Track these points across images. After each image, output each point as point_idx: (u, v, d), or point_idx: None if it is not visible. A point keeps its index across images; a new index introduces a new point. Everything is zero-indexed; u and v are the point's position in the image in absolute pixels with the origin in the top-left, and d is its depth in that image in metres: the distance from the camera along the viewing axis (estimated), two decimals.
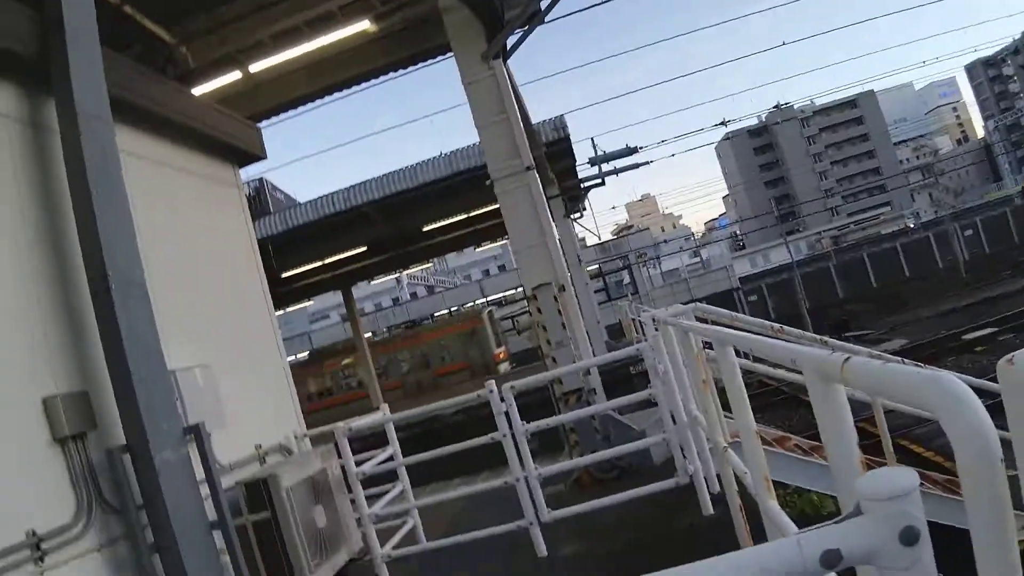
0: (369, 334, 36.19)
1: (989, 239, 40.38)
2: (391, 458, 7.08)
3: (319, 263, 21.39)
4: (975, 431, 1.02)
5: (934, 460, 10.30)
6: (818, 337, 6.57)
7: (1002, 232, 41.06)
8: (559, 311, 8.66)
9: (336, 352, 34.38)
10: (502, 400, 6.03)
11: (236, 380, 7.02)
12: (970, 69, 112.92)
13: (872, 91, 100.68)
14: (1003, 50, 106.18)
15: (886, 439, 6.24)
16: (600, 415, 8.30)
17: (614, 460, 7.98)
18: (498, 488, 6.44)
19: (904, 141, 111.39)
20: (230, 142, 8.27)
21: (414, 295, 65.27)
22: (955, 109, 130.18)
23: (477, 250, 55.48)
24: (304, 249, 19.56)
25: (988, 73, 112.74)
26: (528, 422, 6.16)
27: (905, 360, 6.63)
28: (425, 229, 21.06)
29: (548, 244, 8.92)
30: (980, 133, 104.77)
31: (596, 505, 6.19)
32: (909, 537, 1.03)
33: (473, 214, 19.98)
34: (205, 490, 5.22)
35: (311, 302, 50.78)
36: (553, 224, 9.45)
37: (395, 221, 19.01)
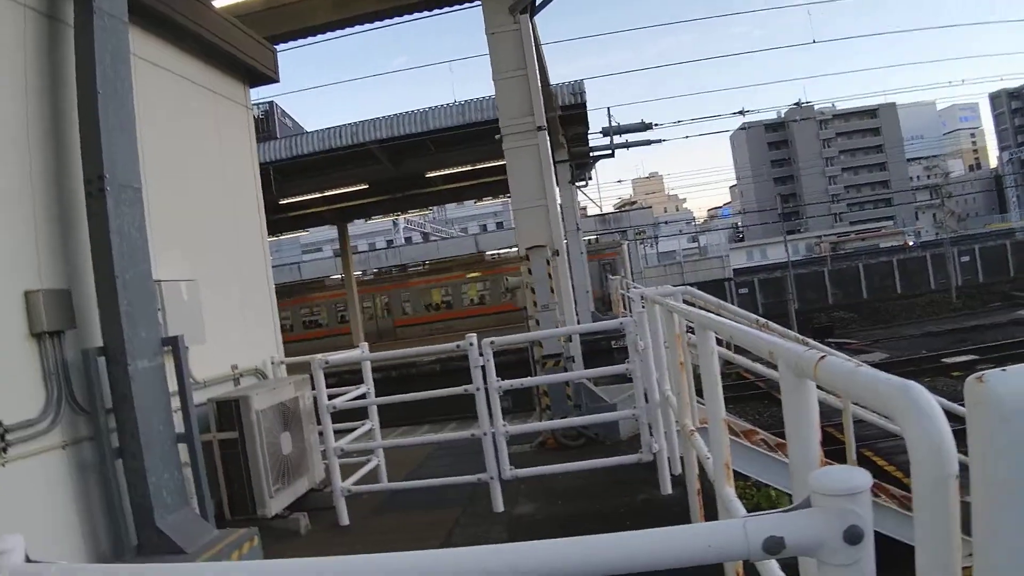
0: (359, 272, 36.10)
1: (985, 268, 40.46)
2: (364, 396, 7.12)
3: (318, 195, 21.28)
4: (934, 443, 1.03)
5: (894, 475, 10.43)
6: (800, 337, 6.61)
7: (999, 263, 41.15)
8: (549, 275, 8.67)
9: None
10: (481, 354, 6.06)
11: (220, 299, 7.03)
12: (994, 98, 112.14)
13: (894, 104, 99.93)
14: None
15: (850, 444, 6.33)
16: (575, 382, 8.36)
17: (582, 428, 8.06)
18: (465, 439, 6.52)
19: (917, 158, 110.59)
20: (244, 60, 8.17)
21: (409, 240, 65.10)
22: (973, 135, 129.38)
23: (477, 204, 55.26)
24: (305, 179, 19.42)
25: (1011, 104, 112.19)
26: (503, 379, 6.20)
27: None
28: (428, 175, 20.94)
29: (548, 207, 8.88)
30: (994, 163, 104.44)
31: (558, 469, 6.28)
32: (853, 536, 1.05)
33: (478, 167, 19.84)
34: (176, 403, 5.25)
35: (306, 232, 50.55)
36: (556, 188, 9.41)
37: (399, 164, 18.89)
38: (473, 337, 6.08)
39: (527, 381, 6.70)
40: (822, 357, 1.42)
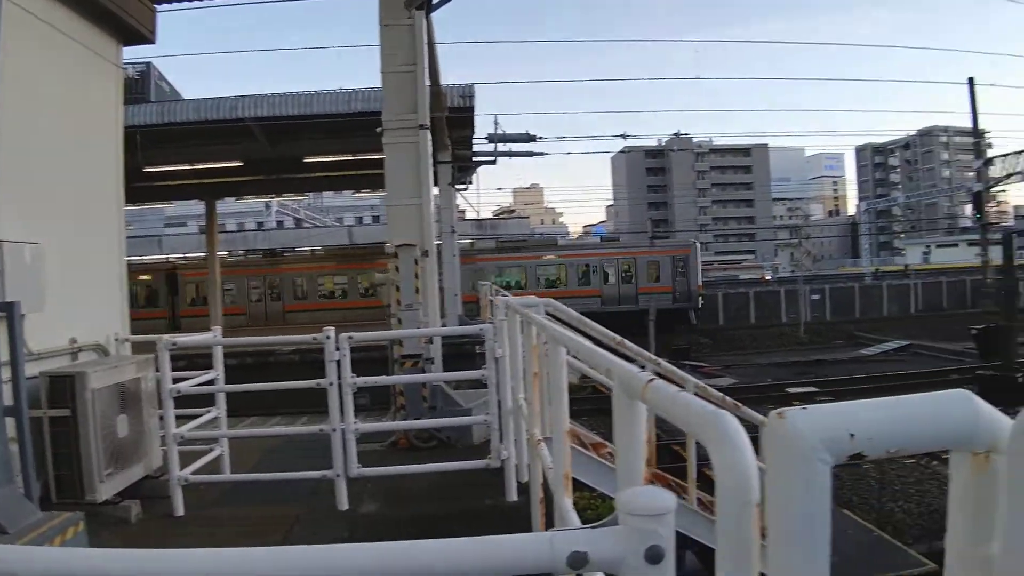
0: (224, 252, 34.87)
1: (833, 307, 43.06)
2: (213, 382, 6.85)
3: (188, 167, 20.36)
4: (738, 472, 1.07)
5: None
6: (653, 357, 6.83)
7: (847, 304, 43.93)
8: (416, 274, 8.62)
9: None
10: (337, 348, 5.95)
11: (66, 266, 6.59)
12: (859, 150, 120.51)
13: (766, 145, 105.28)
14: (895, 141, 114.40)
15: (691, 463, 6.59)
16: (432, 384, 8.34)
17: (435, 430, 8.04)
18: (314, 434, 6.38)
19: (782, 199, 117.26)
20: (118, 15, 7.72)
21: (280, 224, 63.21)
22: (835, 183, 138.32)
23: (355, 195, 54.39)
24: (176, 148, 18.54)
25: (874, 158, 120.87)
26: (359, 375, 6.11)
27: (727, 399, 7.01)
28: (307, 160, 20.44)
29: (422, 206, 8.83)
30: (852, 210, 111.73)
31: (406, 470, 6.24)
32: (654, 555, 1.07)
33: (360, 158, 19.52)
34: (6, 374, 4.89)
35: (171, 205, 48.22)
36: (432, 189, 9.37)
37: (278, 144, 18.34)
38: (331, 330, 5.96)
39: (383, 380, 6.64)
40: (650, 380, 1.46)
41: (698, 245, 39.02)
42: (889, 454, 1.04)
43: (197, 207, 40.66)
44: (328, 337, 5.93)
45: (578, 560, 1.07)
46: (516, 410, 5.94)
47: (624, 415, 1.71)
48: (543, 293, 36.73)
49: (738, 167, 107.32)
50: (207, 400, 6.95)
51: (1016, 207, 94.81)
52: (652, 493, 1.10)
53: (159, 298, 33.29)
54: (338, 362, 5.98)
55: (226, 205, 48.16)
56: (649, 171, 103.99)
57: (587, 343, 2.45)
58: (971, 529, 1.10)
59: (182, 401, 6.37)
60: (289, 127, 17.15)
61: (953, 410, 1.07)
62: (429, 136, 9.15)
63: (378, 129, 9.16)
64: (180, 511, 6.15)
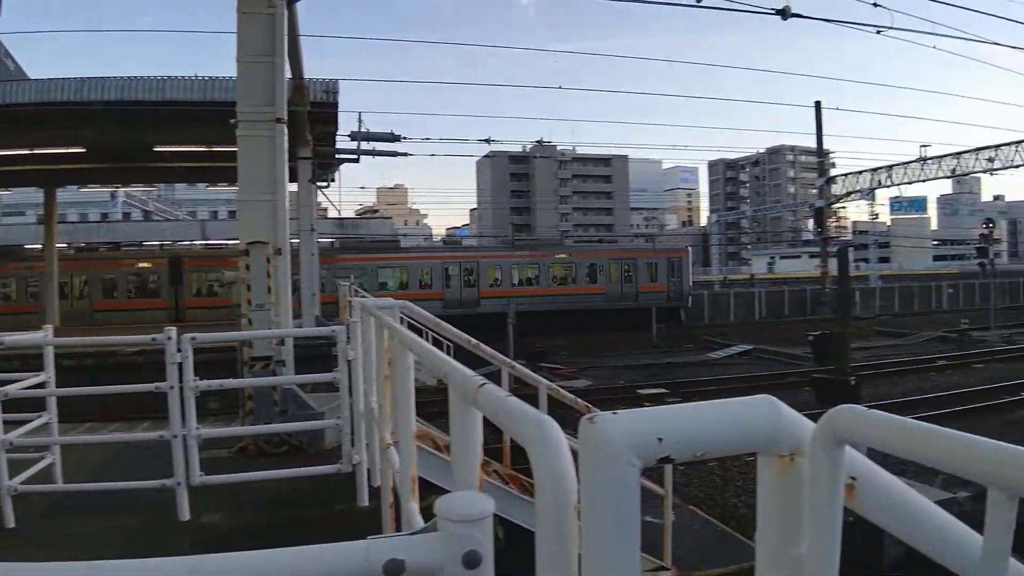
0: (64, 244, 32.67)
1: (684, 313, 44.91)
2: (44, 385, 6.37)
3: (26, 151, 18.94)
4: (556, 475, 1.08)
5: None
6: (508, 360, 6.88)
7: (696, 310, 45.92)
8: (268, 273, 8.33)
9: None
10: (179, 350, 5.66)
11: None
12: (712, 165, 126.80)
13: (626, 156, 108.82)
14: (745, 158, 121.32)
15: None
16: (283, 387, 8.08)
17: (285, 435, 7.80)
18: (154, 441, 6.04)
19: (640, 208, 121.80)
20: None
21: (128, 216, 59.87)
22: (689, 195, 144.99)
23: (209, 188, 52.30)
24: (12, 130, 17.17)
25: (726, 173, 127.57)
26: (210, 379, 5.84)
27: (579, 401, 7.15)
28: (158, 149, 19.44)
29: (277, 203, 8.54)
30: (704, 222, 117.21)
31: (253, 477, 6.02)
32: (471, 560, 1.07)
33: (215, 149, 18.76)
34: None
35: (8, 192, 44.83)
36: (288, 185, 9.08)
37: (127, 131, 17.33)
38: (172, 331, 5.66)
39: (228, 383, 6.36)
40: (482, 384, 1.45)
41: (690, 250, 43.47)
42: (696, 457, 1.07)
43: (37, 194, 37.99)
44: (169, 338, 5.63)
45: (394, 568, 1.05)
46: (368, 413, 5.84)
47: (459, 419, 1.70)
48: (553, 291, 39.13)
49: (599, 176, 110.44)
50: (39, 404, 6.46)
51: (854, 223, 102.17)
52: (470, 498, 1.10)
53: None
54: (180, 364, 5.68)
55: (68, 193, 45.22)
56: (513, 176, 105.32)
57: (429, 347, 2.43)
58: (779, 530, 1.15)
59: (10, 405, 5.89)
60: (140, 113, 16.20)
61: (757, 415, 1.11)
62: (286, 130, 8.88)
63: (232, 120, 8.81)
64: (11, 523, 5.69)
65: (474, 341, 6.70)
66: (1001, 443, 0.94)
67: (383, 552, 1.05)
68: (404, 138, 23.86)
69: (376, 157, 23.76)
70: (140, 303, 30.60)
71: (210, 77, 16.15)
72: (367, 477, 6.10)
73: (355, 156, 23.04)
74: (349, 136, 22.67)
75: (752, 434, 1.10)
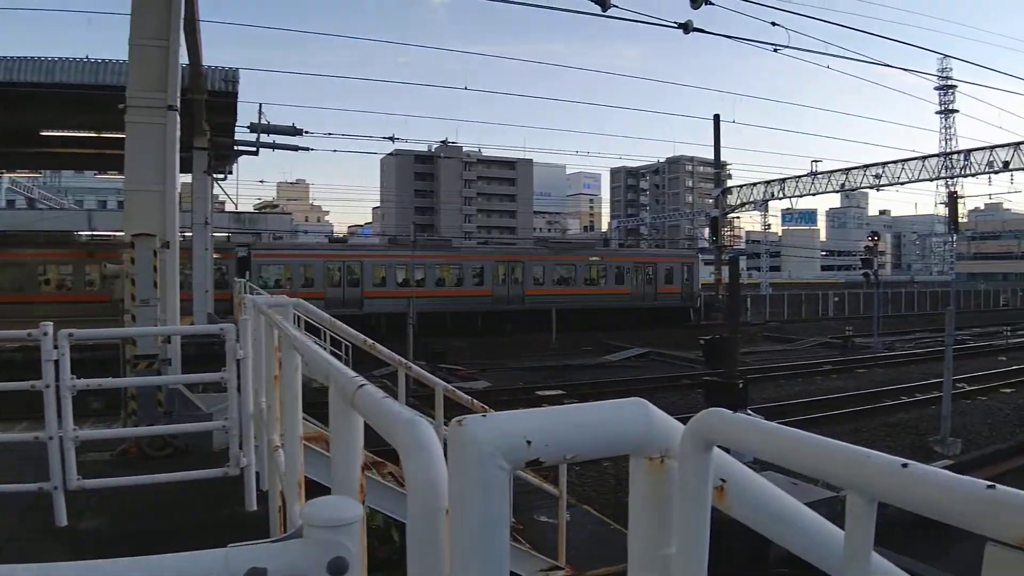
0: None
1: (584, 317, 45.58)
2: None
3: None
4: (428, 478, 1.07)
5: None
6: (403, 361, 6.79)
7: (591, 313, 46.69)
8: (155, 267, 7.96)
9: None
10: (56, 346, 5.34)
11: None
12: (614, 172, 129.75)
13: (531, 160, 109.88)
14: (646, 166, 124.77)
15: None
16: (169, 387, 7.75)
17: (170, 437, 7.48)
18: (29, 442, 5.69)
19: (543, 212, 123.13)
20: None
21: (12, 204, 56.52)
22: (592, 201, 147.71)
23: (97, 176, 50.05)
24: None
25: (627, 181, 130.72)
26: (78, 376, 5.52)
27: (475, 403, 7.12)
28: (44, 134, 18.45)
29: (166, 194, 8.19)
30: (605, 227, 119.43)
31: (135, 481, 5.75)
32: (337, 567, 1.04)
33: (105, 136, 17.93)
34: None
35: None
36: (179, 176, 8.72)
37: (11, 114, 16.38)
38: (48, 326, 5.34)
39: (109, 381, 6.06)
40: (361, 386, 1.40)
41: (699, 255, 47.26)
42: (567, 460, 1.07)
43: None
44: (45, 334, 5.30)
45: None
46: (257, 414, 5.65)
47: (339, 420, 1.65)
48: (583, 290, 42.25)
49: (504, 179, 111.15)
50: None
51: (748, 232, 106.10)
52: (337, 503, 1.07)
53: None
54: (56, 362, 5.36)
55: None
56: (418, 176, 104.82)
57: (313, 346, 2.35)
58: (649, 530, 1.16)
59: None
60: (26, 95, 15.33)
61: (629, 417, 1.12)
62: (178, 118, 8.53)
63: (120, 106, 8.41)
64: None
65: (370, 341, 6.58)
66: (860, 448, 0.97)
67: (244, 560, 1.01)
68: (306, 132, 23.41)
69: (277, 151, 23.24)
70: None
71: (103, 60, 15.45)
72: (255, 481, 5.90)
73: (254, 148, 22.45)
74: (248, 127, 22.10)
75: (623, 436, 1.10)
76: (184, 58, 10.67)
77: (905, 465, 0.91)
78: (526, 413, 1.06)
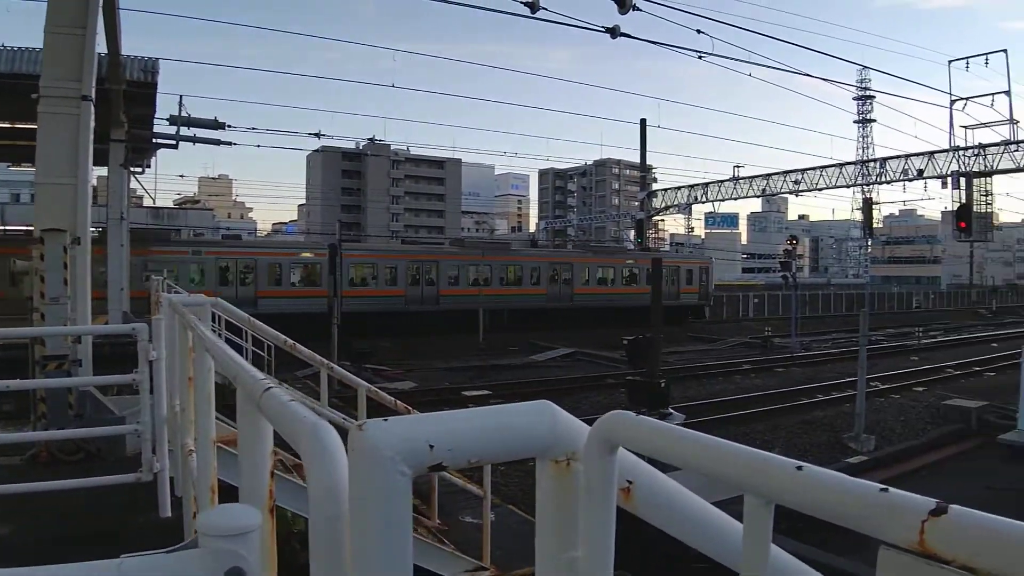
0: None
1: (511, 317, 45.71)
2: None
3: None
4: (330, 484, 1.05)
5: None
6: (325, 362, 6.69)
7: (520, 315, 46.89)
8: (65, 264, 7.65)
9: None
10: None
11: None
12: (542, 174, 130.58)
13: (460, 160, 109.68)
14: (574, 169, 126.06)
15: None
16: (80, 390, 7.46)
17: (81, 441, 7.20)
18: None
19: (471, 212, 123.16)
20: None
21: None
22: (520, 201, 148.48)
23: (11, 168, 47.97)
24: None
25: (555, 182, 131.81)
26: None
27: (399, 404, 7.05)
28: None
29: (78, 188, 7.89)
30: (533, 228, 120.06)
31: (45, 487, 5.51)
32: None
33: (18, 126, 17.24)
34: None
35: None
36: (93, 169, 8.42)
37: None
38: None
39: (17, 383, 5.79)
40: (267, 388, 1.36)
41: (713, 259, 52.91)
42: (471, 464, 1.07)
43: None
44: None
45: None
46: (172, 417, 5.48)
47: (246, 424, 1.61)
48: (622, 290, 46.81)
49: (432, 178, 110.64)
50: None
51: (672, 235, 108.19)
52: (234, 511, 1.04)
53: None
54: None
55: None
56: (345, 173, 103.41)
57: (223, 347, 2.28)
58: (556, 534, 1.17)
59: None
60: None
61: (534, 420, 1.11)
62: (92, 109, 8.23)
63: (34, 95, 8.10)
64: None
65: (290, 342, 6.45)
66: (758, 451, 0.99)
67: (136, 571, 0.99)
68: (229, 126, 22.82)
69: (199, 144, 22.63)
70: None
71: (19, 48, 14.89)
72: (170, 486, 5.72)
73: (174, 142, 21.78)
74: (168, 120, 21.43)
75: (529, 439, 1.10)
76: (102, 46, 10.31)
77: (800, 467, 0.91)
78: (430, 417, 1.05)
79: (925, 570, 0.79)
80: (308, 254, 37.92)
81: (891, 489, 0.85)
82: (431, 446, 0.98)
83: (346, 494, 1.03)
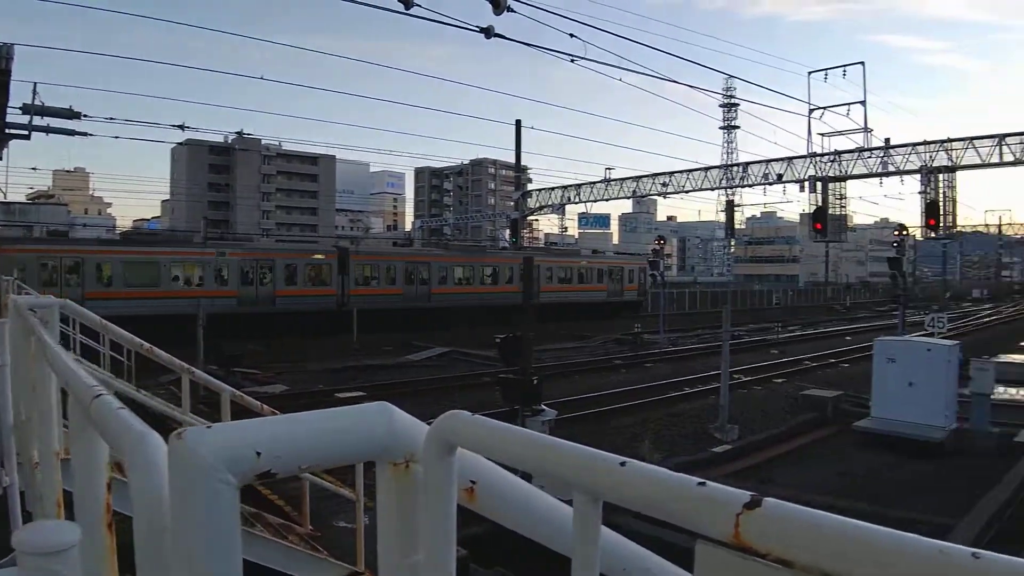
0: None
1: (382, 318, 45.23)
2: None
3: None
4: (150, 494, 1.01)
5: (277, 503, 10.78)
6: (185, 366, 6.44)
7: (393, 315, 46.54)
8: None
9: None
10: None
11: None
12: (418, 172, 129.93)
13: (334, 157, 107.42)
14: (450, 168, 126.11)
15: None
16: None
17: None
18: None
19: (346, 210, 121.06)
20: None
21: None
22: (396, 199, 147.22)
23: None
24: None
25: (432, 181, 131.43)
26: None
27: (266, 408, 6.87)
28: None
29: None
30: (409, 226, 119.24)
31: None
32: None
33: None
34: None
35: None
36: None
37: None
38: None
39: None
40: (98, 395, 1.30)
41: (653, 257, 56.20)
42: (302, 471, 1.05)
43: None
44: None
45: None
46: (20, 427, 5.14)
47: (78, 434, 1.52)
48: (573, 288, 51.14)
49: (305, 175, 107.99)
50: None
51: (547, 234, 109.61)
52: (51, 528, 0.99)
53: None
54: None
55: None
56: (212, 168, 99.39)
57: (57, 351, 2.15)
58: (397, 538, 1.15)
59: None
60: None
61: (370, 422, 1.10)
62: None
63: None
64: None
65: (147, 345, 6.16)
66: (588, 448, 1.00)
67: None
68: (85, 116, 21.60)
69: (52, 135, 21.29)
70: None
71: None
72: (20, 501, 5.36)
73: (26, 132, 20.40)
74: (21, 109, 20.06)
75: (365, 442, 1.09)
76: None
77: (623, 464, 0.93)
78: (257, 422, 1.02)
79: (740, 564, 0.79)
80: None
81: (708, 483, 0.86)
82: (258, 453, 0.95)
83: (166, 509, 1.00)
